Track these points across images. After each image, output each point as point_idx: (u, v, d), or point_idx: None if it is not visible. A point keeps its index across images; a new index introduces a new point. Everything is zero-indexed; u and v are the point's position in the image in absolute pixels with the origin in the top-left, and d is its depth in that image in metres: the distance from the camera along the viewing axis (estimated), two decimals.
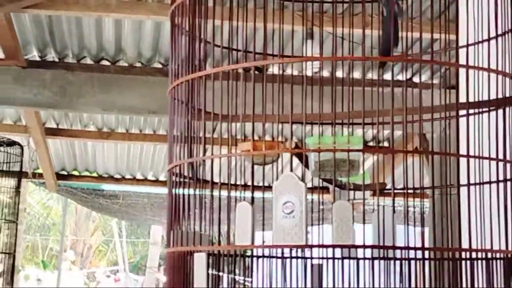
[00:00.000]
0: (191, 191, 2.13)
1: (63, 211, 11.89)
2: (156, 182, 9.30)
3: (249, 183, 1.91)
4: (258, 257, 2.29)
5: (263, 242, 1.85)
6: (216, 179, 1.99)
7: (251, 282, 2.36)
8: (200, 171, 2.07)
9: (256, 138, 1.95)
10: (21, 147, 5.48)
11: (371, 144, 6.85)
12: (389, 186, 5.17)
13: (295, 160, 2.19)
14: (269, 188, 1.86)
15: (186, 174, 2.17)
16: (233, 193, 1.95)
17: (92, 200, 9.56)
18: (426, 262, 2.10)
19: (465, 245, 1.99)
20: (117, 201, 9.51)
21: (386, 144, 7.55)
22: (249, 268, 2.28)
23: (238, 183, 1.96)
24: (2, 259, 6.05)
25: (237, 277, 2.20)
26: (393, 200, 1.87)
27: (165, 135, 7.84)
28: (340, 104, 2.22)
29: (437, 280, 2.20)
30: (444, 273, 2.18)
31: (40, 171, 8.65)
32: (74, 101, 5.66)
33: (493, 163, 2.00)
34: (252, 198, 1.87)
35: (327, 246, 1.76)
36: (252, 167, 1.94)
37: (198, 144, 2.10)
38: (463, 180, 2.23)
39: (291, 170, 1.80)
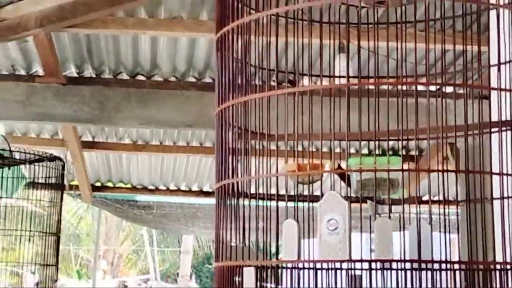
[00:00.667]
0: (238, 206, 2.25)
1: (97, 221, 12.08)
2: (189, 192, 9.46)
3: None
4: (300, 268, 2.41)
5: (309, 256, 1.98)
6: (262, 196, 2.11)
7: None
8: (246, 188, 2.19)
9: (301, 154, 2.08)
10: (63, 162, 5.65)
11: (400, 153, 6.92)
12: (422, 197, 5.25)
13: (338, 179, 2.31)
14: (314, 199, 1.98)
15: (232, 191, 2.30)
16: (280, 204, 2.06)
17: (126, 210, 9.73)
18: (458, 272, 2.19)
19: (498, 257, 2.10)
20: (151, 212, 9.67)
21: (413, 153, 7.62)
22: (292, 280, 2.39)
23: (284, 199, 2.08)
24: (38, 270, 6.22)
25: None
26: (430, 212, 1.98)
27: (197, 147, 8.00)
28: (376, 117, 2.34)
29: None
30: (476, 284, 2.27)
31: (75, 183, 8.85)
32: (112, 116, 5.83)
33: None
34: (297, 214, 2.00)
35: (369, 261, 1.88)
36: (297, 186, 2.07)
37: (245, 163, 2.22)
38: (495, 192, 2.34)
39: (334, 189, 1.92)
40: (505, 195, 2.29)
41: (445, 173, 2.30)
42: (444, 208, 2.19)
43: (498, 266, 2.21)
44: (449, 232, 2.29)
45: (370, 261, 1.87)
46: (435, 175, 2.28)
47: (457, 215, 2.27)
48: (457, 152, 6.81)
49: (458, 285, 2.16)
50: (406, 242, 1.99)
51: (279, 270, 2.30)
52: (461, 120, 2.36)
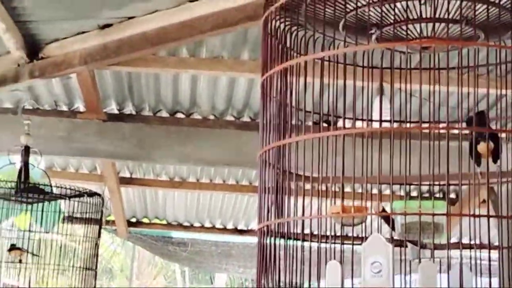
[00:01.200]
0: (281, 245, 2.27)
1: (131, 257, 12.12)
2: (224, 230, 9.48)
3: (338, 240, 2.06)
4: None
5: None
6: (306, 237, 2.13)
7: None
8: (290, 229, 2.22)
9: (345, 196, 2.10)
10: (102, 198, 5.71)
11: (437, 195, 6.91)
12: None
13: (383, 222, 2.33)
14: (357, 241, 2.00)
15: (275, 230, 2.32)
16: (322, 246, 2.09)
17: (161, 247, 9.76)
18: None
19: None
20: (185, 248, 9.70)
21: (452, 195, 7.59)
22: None
23: (328, 240, 2.10)
24: None
25: None
26: (474, 257, 1.99)
27: (234, 185, 8.03)
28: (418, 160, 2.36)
29: None
30: None
31: (112, 218, 8.92)
32: (152, 153, 5.89)
33: None
34: (341, 256, 2.02)
35: None
36: (342, 228, 2.09)
37: (288, 204, 2.25)
38: None
39: (379, 232, 1.94)
40: None
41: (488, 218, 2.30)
42: (487, 253, 2.20)
43: None
44: (490, 277, 2.28)
45: None
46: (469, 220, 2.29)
47: (499, 260, 2.27)
48: (495, 195, 6.78)
49: None
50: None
51: None
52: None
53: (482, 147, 2.26)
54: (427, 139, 2.53)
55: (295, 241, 2.25)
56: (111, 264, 22.79)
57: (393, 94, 2.57)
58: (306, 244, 2.20)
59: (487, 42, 2.30)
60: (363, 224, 2.13)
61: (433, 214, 1.91)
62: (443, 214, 1.95)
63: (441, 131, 2.49)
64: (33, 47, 5.13)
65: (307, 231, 2.20)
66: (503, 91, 2.44)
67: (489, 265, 2.20)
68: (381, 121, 2.64)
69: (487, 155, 2.24)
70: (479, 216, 1.94)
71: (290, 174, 2.34)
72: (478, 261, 2.42)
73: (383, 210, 2.08)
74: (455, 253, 2.22)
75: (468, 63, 2.56)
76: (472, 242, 2.33)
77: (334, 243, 2.14)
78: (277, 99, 2.48)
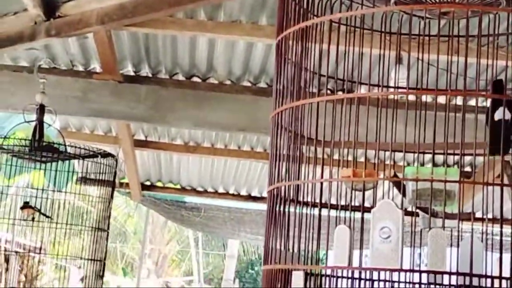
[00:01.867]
0: (290, 211, 2.25)
1: (144, 220, 12.17)
2: (238, 196, 9.48)
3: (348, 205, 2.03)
4: (345, 278, 2.39)
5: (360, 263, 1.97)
6: (316, 200, 2.11)
7: None
8: (300, 193, 2.19)
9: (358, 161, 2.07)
10: (116, 159, 5.70)
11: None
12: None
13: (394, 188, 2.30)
14: (367, 210, 1.97)
15: (285, 195, 2.30)
16: (332, 213, 2.06)
17: (174, 211, 9.78)
18: None
19: None
20: (198, 213, 9.71)
21: (468, 168, 7.53)
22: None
23: (338, 203, 2.08)
24: (85, 265, 6.27)
25: None
26: (486, 230, 1.96)
27: (248, 151, 8.01)
28: (432, 130, 2.32)
29: None
30: None
31: (126, 180, 8.93)
32: (167, 116, 5.87)
33: None
34: (351, 219, 1.99)
35: (422, 272, 1.86)
36: (352, 192, 2.06)
37: (299, 165, 2.22)
38: None
39: (389, 197, 1.91)
40: None
41: (497, 189, 2.26)
42: (500, 226, 2.16)
43: None
44: (502, 251, 2.25)
45: (421, 272, 1.85)
46: (490, 191, 2.25)
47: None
48: (510, 171, 6.72)
49: None
50: (457, 258, 1.97)
51: (323, 279, 2.29)
52: None
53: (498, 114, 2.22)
54: (443, 110, 2.48)
55: (305, 206, 2.22)
56: (125, 228, 22.94)
57: (410, 63, 2.53)
58: (316, 211, 2.17)
59: (509, 8, 2.25)
60: (374, 189, 2.10)
61: (445, 181, 1.88)
62: (455, 181, 1.92)
63: (458, 101, 2.45)
64: (50, 5, 5.10)
65: (318, 197, 2.17)
66: None
67: (501, 239, 2.17)
68: (397, 87, 2.59)
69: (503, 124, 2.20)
70: (492, 184, 1.91)
71: (303, 138, 2.31)
72: (490, 236, 2.38)
73: (395, 175, 2.05)
74: (466, 226, 2.19)
75: (488, 31, 2.51)
76: (485, 216, 2.30)
77: (345, 210, 2.11)
78: (292, 62, 2.44)
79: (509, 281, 1.99)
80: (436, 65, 2.66)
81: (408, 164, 2.43)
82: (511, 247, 2.17)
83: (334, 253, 1.98)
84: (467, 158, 6.48)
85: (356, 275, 2.14)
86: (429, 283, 2.27)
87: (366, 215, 1.99)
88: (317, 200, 2.13)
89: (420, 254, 2.65)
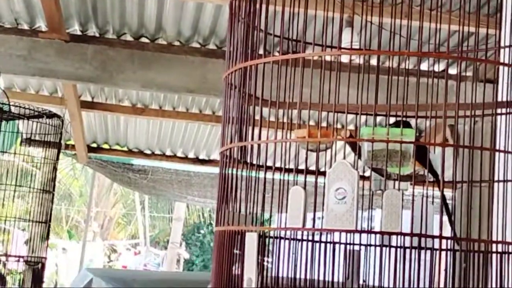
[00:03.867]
0: (243, 173, 2.22)
1: (91, 184, 12.05)
2: (185, 159, 9.43)
3: (303, 167, 2.00)
4: (300, 240, 2.38)
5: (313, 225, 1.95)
6: (269, 163, 2.08)
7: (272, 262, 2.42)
8: (253, 154, 2.16)
9: (312, 123, 2.05)
10: (62, 120, 5.60)
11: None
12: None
13: (348, 149, 2.28)
14: (322, 173, 1.95)
15: (237, 157, 2.26)
16: (286, 177, 2.04)
17: (121, 173, 9.69)
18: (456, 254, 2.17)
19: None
20: (145, 176, 9.64)
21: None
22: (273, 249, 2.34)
23: (291, 167, 2.05)
24: (29, 228, 6.19)
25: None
26: (441, 192, 1.95)
27: (197, 114, 7.95)
28: (386, 94, 2.30)
29: (467, 271, 2.27)
30: (474, 266, 2.25)
31: (72, 142, 8.81)
32: (114, 77, 5.78)
33: None
34: (305, 182, 1.97)
35: (377, 233, 1.85)
36: (307, 153, 2.04)
37: (252, 128, 2.18)
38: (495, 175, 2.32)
39: (344, 158, 1.89)
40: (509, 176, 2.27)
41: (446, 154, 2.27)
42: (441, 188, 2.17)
43: (496, 246, 2.18)
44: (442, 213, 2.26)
45: (375, 233, 1.84)
46: (437, 154, 2.26)
47: (454, 197, 2.24)
48: (457, 136, 6.80)
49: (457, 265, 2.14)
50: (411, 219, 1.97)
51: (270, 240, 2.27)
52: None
53: None
54: (396, 74, 2.47)
55: (258, 170, 2.19)
56: (71, 190, 22.72)
57: (362, 26, 2.51)
58: (269, 174, 2.15)
59: None
60: (329, 150, 2.08)
61: (401, 142, 1.87)
62: (410, 142, 1.90)
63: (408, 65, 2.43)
64: None
65: (271, 160, 2.14)
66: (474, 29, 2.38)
67: (442, 200, 2.17)
68: (351, 49, 2.57)
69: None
70: (447, 145, 1.90)
71: (256, 99, 2.27)
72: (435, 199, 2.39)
73: (350, 136, 2.03)
74: (418, 189, 2.19)
75: None
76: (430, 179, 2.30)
77: (299, 172, 2.09)
78: (244, 22, 2.40)
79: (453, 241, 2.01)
80: (390, 28, 2.64)
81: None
82: (446, 210, 2.16)
83: (289, 214, 1.96)
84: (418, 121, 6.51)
85: (308, 237, 2.13)
86: (382, 245, 2.27)
87: (320, 178, 1.97)
88: (270, 163, 2.10)
89: (370, 216, 2.65)
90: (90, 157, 9.32)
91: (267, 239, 2.20)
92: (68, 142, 8.82)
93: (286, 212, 2.00)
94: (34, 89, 7.57)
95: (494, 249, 2.18)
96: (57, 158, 5.80)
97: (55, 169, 5.87)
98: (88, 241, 16.28)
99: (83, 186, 21.95)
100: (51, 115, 5.44)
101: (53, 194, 5.90)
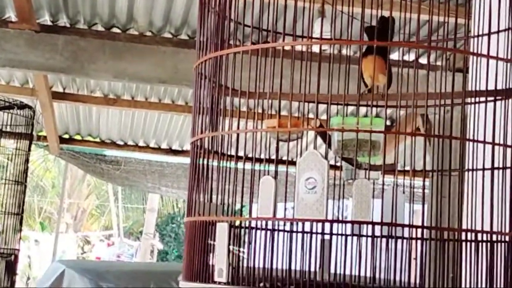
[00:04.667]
0: (214, 164, 2.22)
1: (63, 175, 11.99)
2: (158, 149, 9.40)
3: (273, 157, 2.01)
4: (269, 230, 2.38)
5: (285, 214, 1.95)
6: (240, 153, 2.08)
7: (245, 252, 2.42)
8: (224, 144, 2.16)
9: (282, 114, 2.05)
10: (33, 111, 5.56)
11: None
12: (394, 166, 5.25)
13: (319, 138, 2.28)
14: (292, 163, 1.95)
15: (208, 147, 2.26)
16: (256, 167, 2.04)
17: (93, 165, 9.65)
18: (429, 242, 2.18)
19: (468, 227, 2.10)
20: (118, 167, 9.61)
21: (388, 122, 7.63)
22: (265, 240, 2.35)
23: (262, 157, 2.05)
24: (0, 219, 6.15)
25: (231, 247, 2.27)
26: (412, 180, 1.97)
27: (169, 104, 7.92)
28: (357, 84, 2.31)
29: (440, 260, 2.29)
30: (448, 255, 2.27)
31: (43, 133, 8.75)
32: (86, 67, 5.74)
33: (497, 149, 2.10)
34: (276, 172, 1.97)
35: (347, 222, 1.86)
36: (277, 143, 2.04)
37: (223, 118, 2.18)
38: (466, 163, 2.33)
39: (315, 148, 1.89)
40: (480, 164, 2.29)
41: (417, 143, 2.29)
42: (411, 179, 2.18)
43: (466, 234, 2.20)
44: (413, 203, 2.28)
45: (346, 222, 1.85)
46: (407, 144, 2.27)
47: (423, 187, 2.25)
48: (430, 125, 6.84)
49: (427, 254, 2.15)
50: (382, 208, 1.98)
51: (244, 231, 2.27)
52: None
53: (367, 61, 2.23)
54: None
55: (229, 160, 2.19)
56: (43, 182, 22.59)
57: (334, 17, 2.51)
58: (240, 164, 2.14)
59: None
60: (301, 141, 2.08)
61: (371, 131, 1.87)
62: (380, 132, 1.91)
63: None
64: None
65: (242, 150, 2.14)
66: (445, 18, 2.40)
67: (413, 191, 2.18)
68: (321, 39, 2.57)
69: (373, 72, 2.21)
70: (416, 134, 1.91)
71: (227, 89, 2.26)
72: (407, 188, 2.40)
73: (321, 125, 2.03)
74: (389, 178, 2.20)
75: None
76: (407, 169, 2.31)
77: (270, 162, 2.09)
78: (215, 11, 2.39)
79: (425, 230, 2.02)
80: (361, 19, 2.64)
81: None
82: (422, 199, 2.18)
83: (259, 204, 1.96)
84: (389, 111, 6.55)
85: (280, 227, 2.13)
86: (353, 234, 2.27)
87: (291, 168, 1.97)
88: (241, 153, 2.10)
89: (340, 206, 2.66)
90: (62, 148, 9.27)
91: (241, 230, 2.20)
92: (40, 133, 8.75)
93: (257, 202, 2.00)
94: (5, 80, 7.51)
95: (464, 238, 2.20)
96: (29, 149, 5.76)
97: (27, 160, 5.83)
98: (61, 232, 16.21)
99: (56, 178, 21.83)
100: (22, 106, 5.41)
101: (26, 186, 5.86)
